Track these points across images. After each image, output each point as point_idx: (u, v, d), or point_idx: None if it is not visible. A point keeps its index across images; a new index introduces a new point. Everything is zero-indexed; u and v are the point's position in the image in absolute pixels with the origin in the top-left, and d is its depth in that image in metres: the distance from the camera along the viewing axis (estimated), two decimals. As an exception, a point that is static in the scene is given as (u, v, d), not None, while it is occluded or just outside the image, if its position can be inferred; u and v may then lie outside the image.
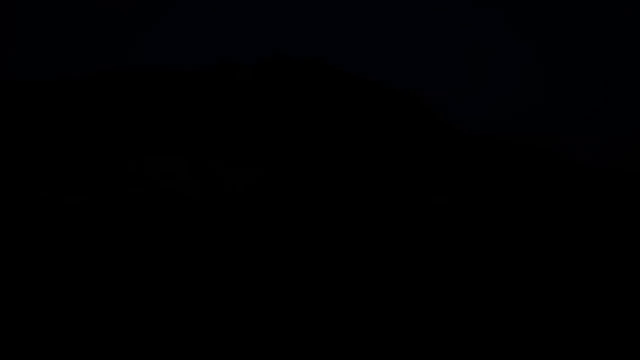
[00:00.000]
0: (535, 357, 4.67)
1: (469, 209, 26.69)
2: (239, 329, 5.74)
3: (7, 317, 6.31)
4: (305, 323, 6.19)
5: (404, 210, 32.80)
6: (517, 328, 5.06)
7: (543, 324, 5.62)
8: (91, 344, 5.25)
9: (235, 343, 5.49)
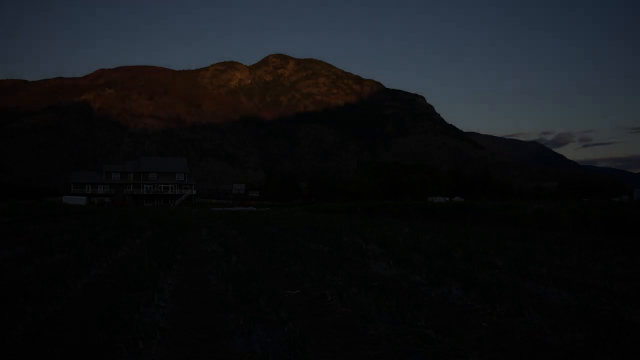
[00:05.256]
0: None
1: (459, 206, 27.21)
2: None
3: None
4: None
5: (412, 204, 33.61)
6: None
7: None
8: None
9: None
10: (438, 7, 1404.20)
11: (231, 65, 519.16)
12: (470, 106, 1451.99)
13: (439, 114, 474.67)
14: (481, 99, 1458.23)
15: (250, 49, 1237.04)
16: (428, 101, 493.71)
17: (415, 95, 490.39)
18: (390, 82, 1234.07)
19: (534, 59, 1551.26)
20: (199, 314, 4.92)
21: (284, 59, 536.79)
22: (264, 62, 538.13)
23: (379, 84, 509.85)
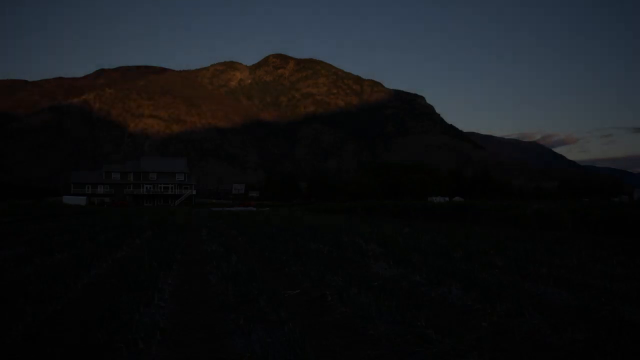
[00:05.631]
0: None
1: (459, 206, 27.41)
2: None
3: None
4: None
5: (415, 203, 34.05)
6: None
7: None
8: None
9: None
10: (438, 7, 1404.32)
11: (231, 65, 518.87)
12: (470, 106, 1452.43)
13: (439, 114, 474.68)
14: (481, 99, 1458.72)
15: (250, 49, 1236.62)
16: (428, 101, 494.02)
17: (415, 95, 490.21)
18: (390, 82, 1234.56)
19: (535, 59, 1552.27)
20: (199, 314, 4.92)
21: (284, 59, 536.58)
22: (264, 62, 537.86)
23: (379, 83, 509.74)
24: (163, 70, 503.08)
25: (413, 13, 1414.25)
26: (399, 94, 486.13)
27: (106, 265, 8.12)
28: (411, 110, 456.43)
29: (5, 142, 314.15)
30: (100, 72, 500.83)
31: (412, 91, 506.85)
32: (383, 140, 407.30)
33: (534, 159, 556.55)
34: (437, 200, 61.51)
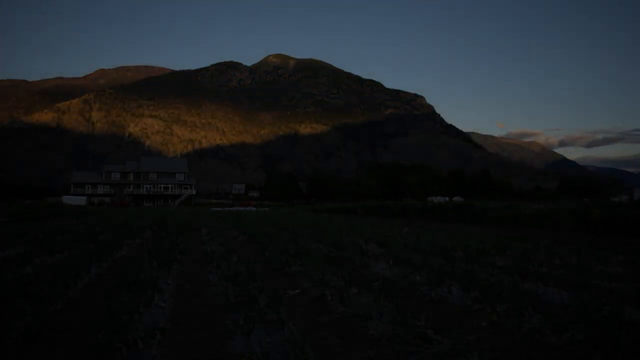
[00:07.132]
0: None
1: (459, 206, 27.46)
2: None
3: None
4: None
5: (417, 203, 34.50)
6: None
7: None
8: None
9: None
10: (438, 7, 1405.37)
11: (231, 65, 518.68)
12: (470, 106, 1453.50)
13: (439, 114, 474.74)
14: (481, 99, 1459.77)
15: (250, 49, 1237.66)
16: (428, 101, 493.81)
17: (415, 95, 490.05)
18: (390, 82, 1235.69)
19: (535, 59, 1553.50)
20: (199, 314, 4.92)
21: (284, 59, 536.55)
22: (264, 62, 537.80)
23: (379, 84, 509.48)
24: (163, 70, 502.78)
25: (413, 13, 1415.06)
26: (398, 94, 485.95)
27: (106, 265, 8.12)
28: (411, 110, 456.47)
29: (5, 142, 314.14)
30: (100, 72, 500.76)
31: (412, 91, 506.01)
32: (383, 140, 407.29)
33: (534, 159, 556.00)
34: (437, 200, 61.48)
